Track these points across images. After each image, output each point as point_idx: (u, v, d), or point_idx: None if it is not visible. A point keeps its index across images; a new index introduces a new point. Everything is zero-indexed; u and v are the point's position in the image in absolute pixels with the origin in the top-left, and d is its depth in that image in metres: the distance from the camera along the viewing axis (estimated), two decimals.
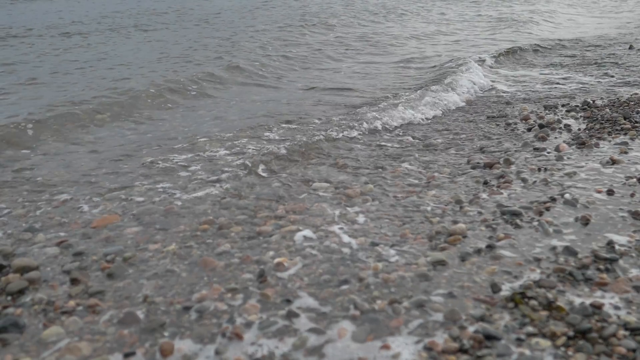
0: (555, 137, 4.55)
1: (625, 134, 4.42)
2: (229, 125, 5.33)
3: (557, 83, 6.93)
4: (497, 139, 4.66)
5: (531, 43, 9.99)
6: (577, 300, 2.29)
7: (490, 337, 2.08)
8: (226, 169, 4.10)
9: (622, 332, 2.07)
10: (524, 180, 3.61)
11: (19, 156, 4.48)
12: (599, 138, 4.40)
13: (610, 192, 3.34)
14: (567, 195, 3.30)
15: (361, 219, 3.19)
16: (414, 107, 5.68)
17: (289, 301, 2.38)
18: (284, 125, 5.26)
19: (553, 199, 3.29)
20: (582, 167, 3.83)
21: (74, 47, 9.86)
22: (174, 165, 4.26)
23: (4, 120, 5.21)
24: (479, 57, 8.48)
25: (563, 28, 12.77)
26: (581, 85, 6.69)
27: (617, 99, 5.74)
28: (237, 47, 9.75)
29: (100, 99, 6.02)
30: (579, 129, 4.71)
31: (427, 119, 5.52)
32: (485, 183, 3.64)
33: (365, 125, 5.10)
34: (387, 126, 5.19)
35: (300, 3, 17.62)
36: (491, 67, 8.21)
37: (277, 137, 4.85)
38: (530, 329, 2.12)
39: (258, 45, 9.85)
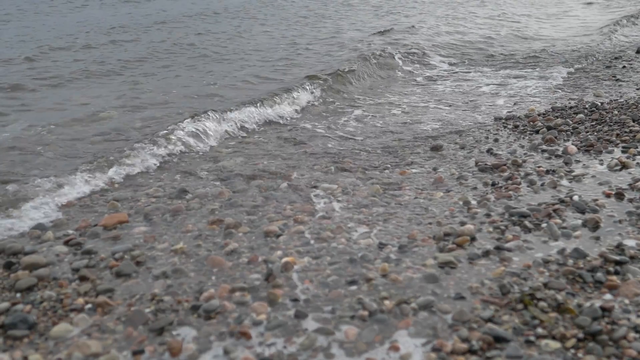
0: (564, 140, 4.53)
1: (634, 137, 4.39)
2: None
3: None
4: (505, 140, 4.64)
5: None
6: (587, 303, 2.27)
7: (499, 339, 2.07)
8: (234, 169, 4.12)
9: (632, 334, 2.06)
10: (532, 182, 3.59)
11: None
12: (608, 140, 4.37)
13: (619, 195, 3.33)
14: (575, 198, 3.29)
15: (368, 220, 3.18)
16: None
17: (296, 301, 2.38)
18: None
19: (562, 201, 3.27)
20: (590, 169, 3.82)
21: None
22: (184, 166, 4.28)
23: None
24: None
25: None
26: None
27: (626, 101, 5.71)
28: None
29: None
30: (587, 131, 4.69)
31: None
32: (493, 185, 3.63)
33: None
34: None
35: None
36: None
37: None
38: (539, 330, 2.11)
39: None
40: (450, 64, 8.68)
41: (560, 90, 6.65)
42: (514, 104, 6.08)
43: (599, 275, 2.46)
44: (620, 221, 3.02)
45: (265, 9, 15.38)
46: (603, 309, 2.21)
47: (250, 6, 16.05)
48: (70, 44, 9.66)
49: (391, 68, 8.13)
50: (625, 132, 4.54)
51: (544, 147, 4.35)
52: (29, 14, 14.59)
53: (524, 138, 4.67)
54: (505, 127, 5.08)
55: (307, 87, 6.46)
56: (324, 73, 7.14)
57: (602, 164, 3.91)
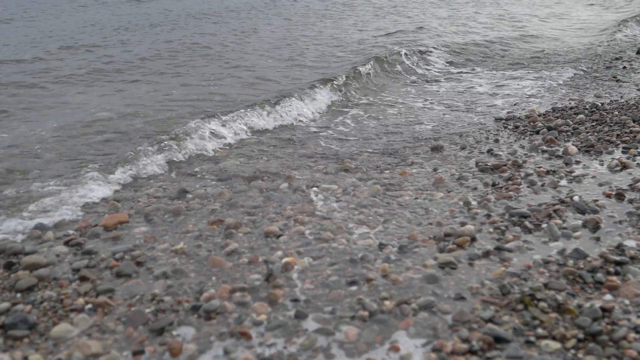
0: (564, 140, 4.53)
1: (634, 137, 4.39)
2: None
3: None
4: (505, 141, 4.64)
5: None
6: (587, 303, 2.27)
7: (499, 339, 2.07)
8: (234, 170, 4.12)
9: (632, 335, 2.06)
10: (532, 182, 3.59)
11: None
12: (608, 141, 4.37)
13: (619, 196, 3.33)
14: (576, 198, 3.29)
15: (369, 220, 3.18)
16: None
17: (297, 301, 2.38)
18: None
19: (562, 202, 3.27)
20: (590, 170, 3.81)
21: None
22: (184, 166, 4.28)
23: None
24: None
25: None
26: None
27: (626, 101, 5.71)
28: None
29: None
30: (588, 132, 4.68)
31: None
32: (494, 185, 3.63)
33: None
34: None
35: None
36: None
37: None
38: (540, 331, 2.11)
39: None
40: (452, 65, 8.68)
41: (561, 90, 6.64)
42: (515, 104, 6.07)
43: (599, 275, 2.46)
44: (620, 222, 3.01)
45: (267, 10, 15.40)
46: (603, 309, 2.21)
47: (252, 6, 16.07)
48: (73, 44, 9.68)
49: (395, 69, 8.12)
50: (626, 132, 4.54)
51: (545, 147, 4.35)
52: (33, 13, 14.64)
53: (524, 138, 4.67)
54: (505, 127, 5.08)
55: (311, 88, 6.45)
56: (326, 74, 7.14)
57: (602, 165, 3.90)
